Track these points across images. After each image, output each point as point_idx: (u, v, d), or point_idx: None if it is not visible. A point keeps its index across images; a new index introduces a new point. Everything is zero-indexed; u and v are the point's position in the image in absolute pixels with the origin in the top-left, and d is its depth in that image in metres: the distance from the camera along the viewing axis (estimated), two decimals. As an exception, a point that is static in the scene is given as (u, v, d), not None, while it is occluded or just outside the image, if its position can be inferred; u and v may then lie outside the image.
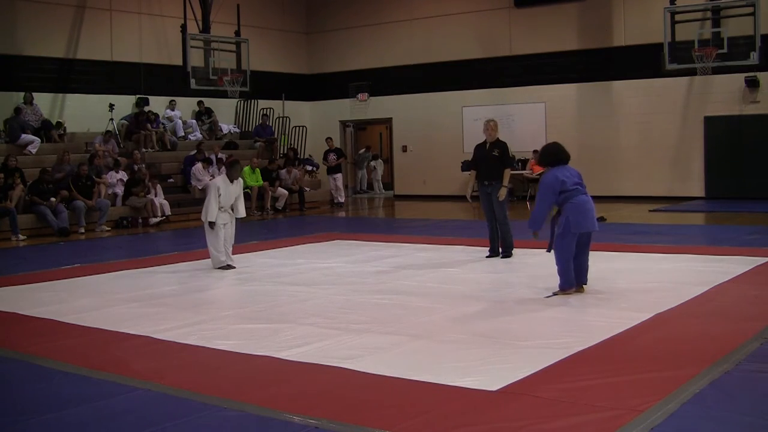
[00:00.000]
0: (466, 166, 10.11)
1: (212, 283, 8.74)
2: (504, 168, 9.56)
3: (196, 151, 18.11)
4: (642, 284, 7.82)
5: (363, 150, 24.14)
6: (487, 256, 9.81)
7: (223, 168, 10.34)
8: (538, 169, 17.66)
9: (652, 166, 18.78)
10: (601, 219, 13.82)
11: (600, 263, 8.63)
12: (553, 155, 7.39)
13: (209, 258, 9.68)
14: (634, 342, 5.64)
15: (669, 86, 18.39)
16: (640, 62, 18.63)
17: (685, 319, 6.36)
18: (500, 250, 9.73)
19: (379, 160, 24.38)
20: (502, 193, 9.52)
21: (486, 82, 20.82)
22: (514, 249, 9.82)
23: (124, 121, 18.56)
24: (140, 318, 6.88)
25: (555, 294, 7.30)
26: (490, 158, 9.58)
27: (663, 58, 17.08)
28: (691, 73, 17.21)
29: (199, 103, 20.51)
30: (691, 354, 5.25)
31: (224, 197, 9.42)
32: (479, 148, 9.85)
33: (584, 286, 7.39)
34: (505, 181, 9.53)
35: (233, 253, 9.71)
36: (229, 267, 9.46)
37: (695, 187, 18.32)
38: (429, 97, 21.79)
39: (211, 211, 9.33)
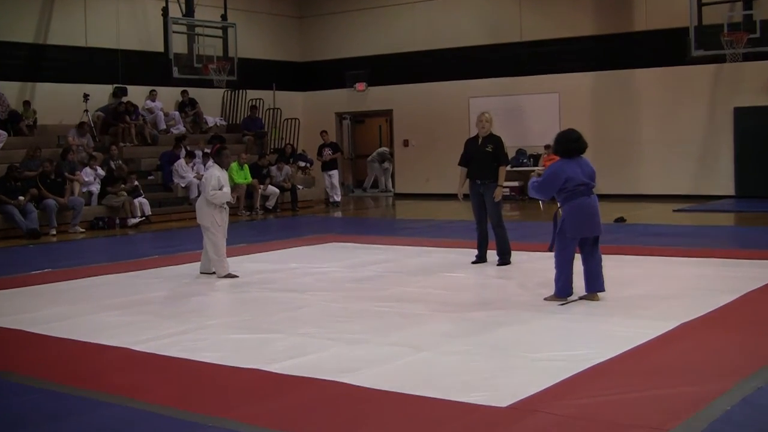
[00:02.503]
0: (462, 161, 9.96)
1: (197, 290, 8.73)
2: (498, 165, 9.46)
3: (173, 146, 18.07)
4: (665, 291, 7.82)
5: (386, 151, 23.91)
6: (473, 262, 9.73)
7: (211, 159, 10.27)
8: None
9: (677, 161, 18.78)
10: (621, 219, 13.94)
11: (619, 268, 8.63)
12: (568, 143, 7.37)
13: (197, 262, 9.68)
14: (657, 354, 5.63)
15: (695, 74, 18.39)
16: (663, 48, 18.63)
17: (714, 329, 6.35)
18: (497, 256, 9.66)
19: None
20: (498, 194, 9.42)
21: (494, 71, 20.82)
22: (520, 253, 9.80)
23: (100, 113, 18.55)
24: (118, 328, 6.86)
25: (546, 300, 7.36)
26: (483, 154, 9.48)
27: (688, 43, 17.07)
28: (720, 60, 17.19)
29: (183, 92, 20.49)
30: (721, 367, 5.24)
31: (225, 187, 9.36)
32: (470, 142, 9.73)
33: (598, 294, 7.37)
34: (501, 181, 9.43)
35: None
36: (231, 276, 9.35)
37: (724, 184, 18.31)
38: (432, 87, 21.79)
39: (218, 195, 9.19)
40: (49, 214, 14.74)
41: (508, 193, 17.41)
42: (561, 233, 7.27)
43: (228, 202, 9.44)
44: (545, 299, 7.41)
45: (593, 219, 7.29)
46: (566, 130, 7.57)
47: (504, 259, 9.60)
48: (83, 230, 15.15)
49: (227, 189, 9.37)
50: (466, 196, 9.87)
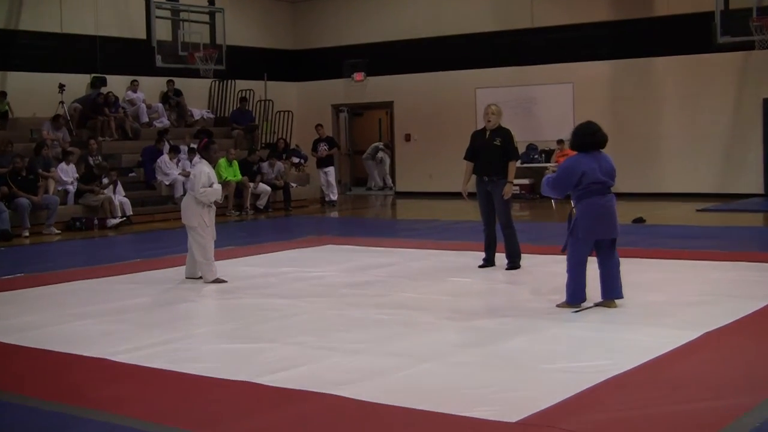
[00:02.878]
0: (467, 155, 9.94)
1: (183, 296, 8.73)
2: (507, 160, 9.46)
3: (156, 140, 18.05)
4: (688, 297, 7.82)
5: (380, 144, 23.98)
6: (480, 266, 9.74)
7: (197, 155, 10.27)
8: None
9: (700, 157, 18.80)
10: (640, 220, 13.96)
11: (638, 272, 8.64)
12: (584, 136, 7.37)
13: (182, 266, 9.68)
14: (679, 366, 5.64)
15: (720, 63, 18.41)
16: (685, 35, 18.64)
17: (741, 338, 6.36)
18: (506, 259, 9.67)
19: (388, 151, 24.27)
20: (508, 191, 9.42)
21: (503, 60, 20.84)
22: (531, 256, 9.80)
23: (77, 105, 18.56)
24: (97, 337, 6.87)
25: (559, 307, 7.37)
26: (491, 148, 9.47)
27: (714, 29, 17.09)
28: (748, 47, 17.20)
29: (169, 82, 20.46)
30: (748, 380, 5.24)
31: (215, 184, 9.36)
32: (477, 135, 9.74)
33: (616, 300, 7.37)
34: (510, 177, 9.43)
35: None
36: (220, 281, 9.33)
37: (752, 182, 18.33)
38: (436, 77, 21.81)
39: (209, 192, 9.18)
40: (22, 213, 14.72)
41: (518, 192, 17.43)
42: (573, 234, 7.27)
43: (216, 201, 9.45)
44: (558, 306, 7.42)
45: (609, 220, 7.29)
46: (584, 122, 7.59)
47: (513, 263, 9.60)
48: (59, 231, 15.14)
49: (217, 186, 9.38)
50: (471, 195, 9.87)
